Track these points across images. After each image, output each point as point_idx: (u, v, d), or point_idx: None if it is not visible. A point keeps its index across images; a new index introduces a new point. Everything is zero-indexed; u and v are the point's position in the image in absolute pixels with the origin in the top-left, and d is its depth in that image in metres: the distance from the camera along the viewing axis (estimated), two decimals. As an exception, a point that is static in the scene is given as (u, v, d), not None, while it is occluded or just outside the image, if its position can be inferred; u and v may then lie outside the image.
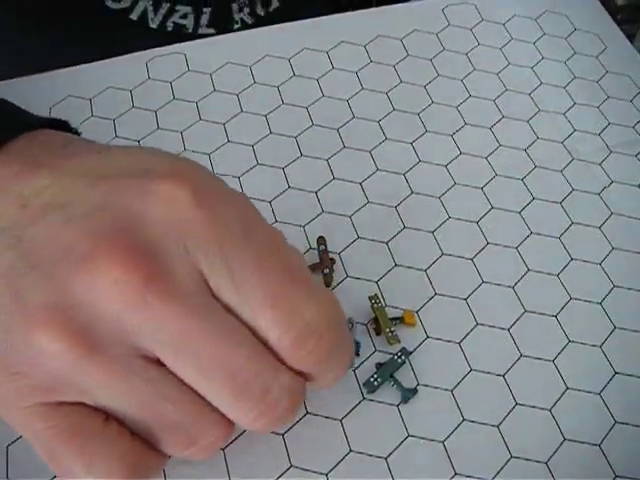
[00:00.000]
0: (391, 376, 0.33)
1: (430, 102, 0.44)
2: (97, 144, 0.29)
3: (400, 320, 0.35)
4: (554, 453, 0.32)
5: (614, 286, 0.37)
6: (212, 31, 0.52)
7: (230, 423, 0.27)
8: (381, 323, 0.34)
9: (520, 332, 0.35)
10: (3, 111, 0.30)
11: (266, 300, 0.25)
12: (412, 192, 0.40)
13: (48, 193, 0.25)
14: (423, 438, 0.32)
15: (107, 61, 0.44)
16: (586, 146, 0.43)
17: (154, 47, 0.45)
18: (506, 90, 0.45)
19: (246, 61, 0.45)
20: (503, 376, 0.34)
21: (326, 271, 0.36)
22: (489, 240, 0.38)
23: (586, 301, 0.37)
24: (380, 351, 0.34)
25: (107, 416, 0.26)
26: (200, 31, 0.52)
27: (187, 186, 0.25)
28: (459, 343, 0.35)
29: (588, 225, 0.40)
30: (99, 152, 0.27)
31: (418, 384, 0.33)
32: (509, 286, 0.37)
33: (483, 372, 0.34)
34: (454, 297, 0.36)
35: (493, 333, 0.35)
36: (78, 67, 0.44)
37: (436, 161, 0.41)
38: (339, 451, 0.32)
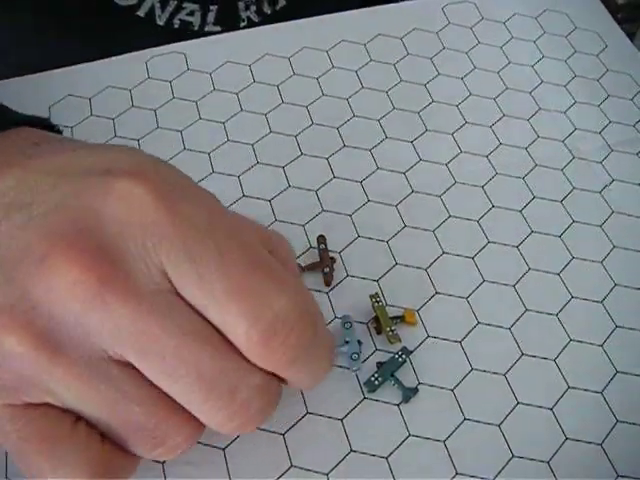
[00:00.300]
0: (392, 375, 0.33)
1: (430, 101, 0.44)
2: (68, 142, 0.29)
3: (401, 319, 0.35)
4: (556, 452, 0.32)
5: (615, 284, 0.37)
6: (218, 29, 0.52)
7: (199, 423, 0.26)
8: (382, 322, 0.34)
9: (521, 331, 0.35)
10: None
11: (231, 294, 0.24)
12: (412, 191, 0.40)
13: (12, 193, 0.25)
14: (424, 437, 0.32)
15: (106, 60, 0.44)
16: (587, 144, 0.43)
17: (161, 44, 0.45)
18: (506, 89, 0.45)
19: (246, 60, 0.45)
20: (504, 375, 0.34)
21: (326, 270, 0.36)
22: (490, 239, 0.38)
23: (587, 300, 0.37)
24: (381, 350, 0.34)
25: (77, 418, 0.25)
26: (207, 29, 0.52)
27: (147, 184, 0.25)
28: (460, 342, 0.35)
29: (589, 224, 0.39)
30: (67, 150, 0.27)
31: (419, 383, 0.33)
32: (510, 285, 0.37)
33: (484, 371, 0.34)
34: (455, 296, 0.36)
35: (494, 332, 0.35)
36: (77, 66, 0.44)
37: (436, 160, 0.41)
38: (340, 451, 0.32)
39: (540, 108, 0.44)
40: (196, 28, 0.52)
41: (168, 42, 0.45)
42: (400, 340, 0.34)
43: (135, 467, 0.27)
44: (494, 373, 0.34)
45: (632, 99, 0.45)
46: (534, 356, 0.35)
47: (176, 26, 0.52)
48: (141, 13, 0.51)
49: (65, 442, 0.25)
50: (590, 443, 0.32)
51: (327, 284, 0.36)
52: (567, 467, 0.32)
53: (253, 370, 0.25)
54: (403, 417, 0.32)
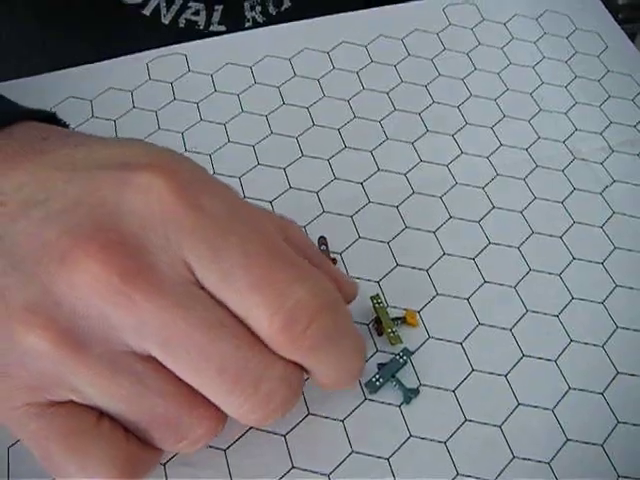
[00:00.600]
0: (393, 376, 0.33)
1: (431, 102, 0.44)
2: (78, 136, 0.29)
3: (402, 320, 0.35)
4: (556, 453, 0.32)
5: (616, 285, 0.37)
6: (223, 28, 0.52)
7: (222, 414, 0.26)
8: (383, 323, 0.34)
9: (522, 332, 0.35)
10: None
11: (254, 285, 0.24)
12: (413, 192, 0.40)
13: (27, 189, 0.25)
14: (425, 438, 0.32)
15: (108, 62, 0.44)
16: (587, 145, 0.43)
17: (166, 43, 0.45)
18: (507, 90, 0.45)
19: (247, 61, 0.45)
20: (505, 376, 0.34)
21: (327, 271, 0.36)
22: (491, 240, 0.38)
23: (588, 301, 0.37)
24: (382, 351, 0.34)
25: (100, 413, 0.25)
26: (212, 28, 0.52)
27: (165, 175, 0.25)
28: (461, 343, 0.35)
29: (590, 224, 0.39)
30: (79, 145, 0.27)
31: (420, 384, 0.33)
32: (511, 286, 0.37)
33: (485, 372, 0.34)
34: (456, 297, 0.36)
35: (495, 333, 0.35)
36: (78, 68, 0.44)
37: (437, 161, 0.41)
38: (341, 451, 0.32)
39: (541, 109, 0.44)
40: (201, 27, 0.52)
41: (173, 41, 0.45)
42: (401, 341, 0.34)
43: (158, 461, 0.27)
44: (495, 374, 0.34)
45: (633, 100, 0.45)
46: (535, 357, 0.35)
47: (181, 25, 0.52)
48: (146, 12, 0.51)
49: (90, 439, 0.25)
50: (591, 444, 0.33)
51: (328, 285, 0.36)
52: (568, 468, 0.32)
53: (276, 360, 0.25)
54: (404, 418, 0.33)
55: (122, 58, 0.44)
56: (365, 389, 0.33)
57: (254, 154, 0.41)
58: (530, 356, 0.35)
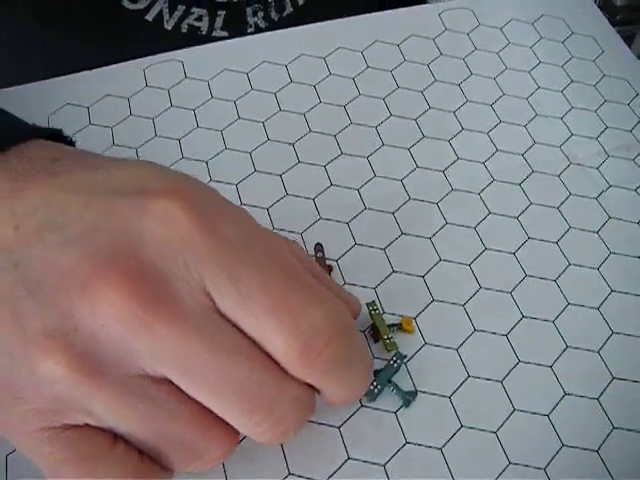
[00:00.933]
0: (389, 381, 0.33)
1: (427, 107, 0.44)
2: (90, 156, 0.29)
3: (398, 327, 0.35)
4: (552, 459, 0.32)
5: (612, 291, 0.37)
6: (226, 34, 0.52)
7: (235, 434, 0.27)
8: (379, 330, 0.34)
9: (518, 338, 0.35)
10: None
11: (271, 309, 0.25)
12: (409, 198, 0.40)
13: (41, 212, 0.25)
14: (421, 445, 0.32)
15: (104, 69, 0.44)
16: (583, 150, 0.43)
17: (168, 49, 0.45)
18: (503, 95, 0.45)
19: (243, 68, 0.45)
20: (501, 382, 0.34)
21: (324, 278, 0.36)
22: (487, 246, 0.38)
23: (584, 306, 0.37)
24: (378, 358, 0.34)
25: (114, 436, 0.26)
26: (214, 34, 0.52)
27: (182, 202, 0.25)
28: (457, 349, 0.35)
29: (586, 230, 0.40)
30: (92, 167, 0.27)
31: (416, 391, 0.33)
32: (507, 292, 0.37)
33: (481, 378, 0.34)
34: (452, 303, 0.36)
35: (491, 339, 0.35)
36: (75, 75, 0.44)
37: (433, 167, 0.41)
38: (337, 458, 0.32)
39: (537, 114, 0.44)
40: (204, 33, 0.52)
41: (176, 47, 0.45)
42: (397, 348, 0.34)
43: None
44: (491, 380, 0.34)
45: (629, 104, 0.45)
46: (531, 363, 0.35)
47: (184, 31, 0.52)
48: (149, 17, 0.51)
49: (104, 463, 0.25)
50: (587, 450, 0.33)
51: (324, 292, 0.36)
52: (564, 474, 0.32)
53: (290, 383, 0.26)
54: (400, 424, 0.33)
55: (119, 65, 0.44)
56: (364, 398, 0.33)
57: (250, 161, 0.41)
58: (526, 362, 0.35)
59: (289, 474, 0.31)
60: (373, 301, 0.35)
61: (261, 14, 0.52)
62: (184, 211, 0.25)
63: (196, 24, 0.52)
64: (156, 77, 0.44)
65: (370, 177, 0.41)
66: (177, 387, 0.25)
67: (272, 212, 0.39)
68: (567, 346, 0.35)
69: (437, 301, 0.36)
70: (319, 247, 0.37)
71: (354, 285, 0.36)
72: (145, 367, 0.25)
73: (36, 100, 0.43)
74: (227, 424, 0.26)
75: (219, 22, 0.52)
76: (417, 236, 0.39)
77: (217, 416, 0.26)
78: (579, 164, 0.42)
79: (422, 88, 0.45)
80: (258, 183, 0.40)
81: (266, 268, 0.26)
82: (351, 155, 0.41)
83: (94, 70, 0.44)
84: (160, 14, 0.51)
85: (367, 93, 0.44)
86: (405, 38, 0.47)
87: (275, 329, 0.25)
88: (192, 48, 0.46)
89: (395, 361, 0.34)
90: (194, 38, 0.51)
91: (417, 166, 0.41)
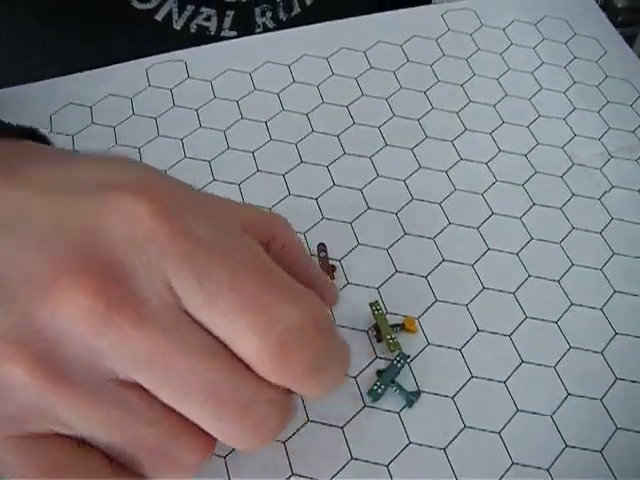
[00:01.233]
0: (393, 381, 0.33)
1: (430, 108, 0.44)
2: (57, 154, 0.28)
3: (401, 327, 0.35)
4: (555, 460, 0.32)
5: (615, 291, 0.37)
6: (234, 34, 0.52)
7: (211, 439, 0.25)
8: (382, 330, 0.34)
9: (521, 338, 0.35)
10: None
11: (241, 309, 0.23)
12: (412, 198, 0.40)
13: (3, 212, 0.24)
14: (424, 445, 0.32)
15: (107, 68, 0.44)
16: (586, 151, 0.43)
17: (177, 49, 0.45)
18: (506, 95, 0.45)
19: (246, 68, 0.45)
20: (504, 383, 0.34)
21: (327, 278, 0.36)
22: (490, 246, 0.38)
23: (587, 307, 0.37)
24: (381, 358, 0.34)
25: (83, 442, 0.24)
26: (223, 34, 0.52)
27: (148, 199, 0.24)
28: (460, 350, 0.35)
29: (589, 230, 0.40)
30: (57, 165, 0.26)
31: (419, 391, 0.33)
32: (510, 292, 0.37)
33: (484, 379, 0.34)
34: (455, 303, 0.36)
35: (494, 339, 0.35)
36: (78, 74, 0.44)
37: (436, 167, 0.41)
38: (340, 459, 0.32)
39: (539, 115, 0.44)
40: (212, 33, 0.52)
41: (184, 47, 0.45)
42: (400, 348, 0.34)
43: None
44: (494, 381, 0.34)
45: (631, 105, 0.45)
46: (534, 363, 0.35)
47: (193, 31, 0.52)
48: (158, 17, 0.51)
49: (72, 472, 0.24)
50: (590, 450, 0.33)
51: (327, 292, 0.36)
52: (567, 474, 0.32)
53: (264, 385, 0.25)
54: (403, 424, 0.33)
55: (122, 64, 0.44)
56: (367, 397, 0.33)
57: (253, 160, 0.41)
58: (529, 362, 0.35)
59: (292, 474, 0.31)
60: (376, 301, 0.35)
61: (269, 14, 0.52)
62: (148, 207, 0.24)
63: (205, 24, 0.52)
64: (159, 77, 0.44)
65: (373, 177, 0.41)
66: (149, 392, 0.24)
67: (275, 212, 0.39)
68: (570, 347, 0.35)
69: (440, 301, 0.36)
70: (322, 247, 0.37)
71: (357, 285, 0.36)
72: (115, 370, 0.23)
73: (38, 100, 0.43)
74: (201, 430, 0.25)
75: (227, 22, 0.52)
76: (420, 236, 0.39)
77: (191, 422, 0.25)
78: (582, 165, 0.42)
79: (425, 89, 0.45)
80: (261, 183, 0.40)
81: (236, 265, 0.24)
82: (354, 155, 0.41)
83: (96, 70, 0.44)
84: (169, 14, 0.51)
85: (370, 93, 0.44)
86: (408, 39, 0.47)
87: (246, 331, 0.23)
88: (195, 48, 0.46)
89: (398, 361, 0.34)
90: (202, 38, 0.51)
91: (420, 166, 0.41)
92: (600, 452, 0.33)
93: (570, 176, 0.42)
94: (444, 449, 0.32)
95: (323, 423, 0.32)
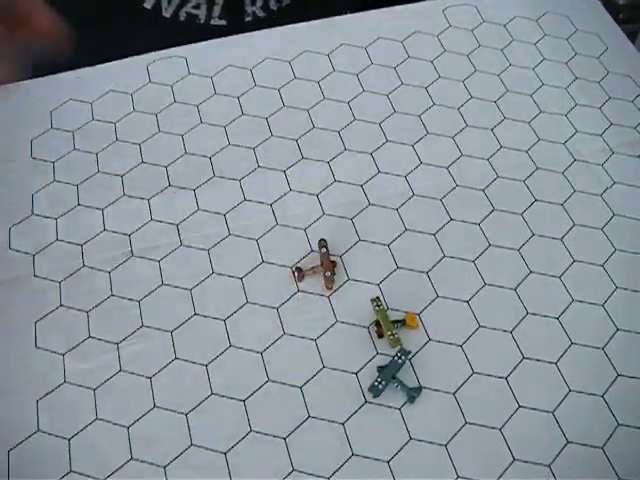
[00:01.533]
0: (394, 377, 0.33)
1: (431, 104, 0.44)
2: None
3: (402, 323, 0.35)
4: (557, 456, 0.32)
5: (616, 288, 0.37)
6: (224, 23, 0.52)
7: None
8: (383, 326, 0.34)
9: (522, 334, 0.35)
10: None
11: None
12: (413, 194, 0.40)
13: None
14: (425, 441, 0.32)
15: (108, 64, 0.44)
16: (588, 147, 0.43)
17: (166, 37, 0.45)
18: (507, 91, 0.45)
19: (247, 64, 0.45)
20: (505, 379, 0.34)
21: (328, 274, 0.36)
22: (491, 242, 0.38)
23: (588, 303, 0.37)
24: (382, 354, 0.34)
25: None
26: (212, 22, 0.52)
27: None
28: (461, 346, 0.35)
29: (590, 226, 0.39)
30: None
31: (421, 387, 0.33)
32: (511, 288, 0.37)
33: (485, 375, 0.34)
34: (456, 299, 0.36)
35: (495, 335, 0.35)
36: (79, 70, 0.44)
37: (437, 163, 0.41)
38: (341, 455, 0.32)
39: (541, 111, 0.44)
40: (202, 21, 0.52)
41: (173, 34, 0.45)
42: (401, 344, 0.34)
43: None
44: (495, 377, 0.34)
45: (633, 101, 0.45)
46: (535, 359, 0.35)
47: (182, 19, 0.52)
48: (148, 5, 0.51)
49: None
50: (591, 446, 0.32)
51: (328, 288, 0.36)
52: (568, 470, 0.32)
53: None
54: (404, 421, 0.33)
55: (122, 61, 0.44)
56: (369, 393, 0.33)
57: (254, 156, 0.41)
58: (530, 358, 0.35)
59: (293, 470, 0.31)
60: (377, 297, 0.35)
61: (259, 3, 0.52)
62: None
63: (194, 12, 0.52)
64: (159, 73, 0.44)
65: (374, 173, 0.41)
66: None
67: (276, 208, 0.39)
68: (572, 343, 0.35)
69: (441, 297, 0.36)
70: (323, 242, 0.37)
71: (358, 281, 0.36)
72: None
73: (39, 95, 0.43)
74: None
75: (217, 10, 0.52)
76: (421, 232, 0.38)
77: None
78: (583, 161, 0.42)
79: (426, 84, 0.45)
80: (262, 179, 0.40)
81: None
82: (355, 151, 0.41)
83: (97, 66, 0.44)
84: (158, 2, 0.51)
85: (371, 89, 0.44)
86: (409, 35, 0.47)
87: None
88: (195, 44, 0.46)
89: (399, 357, 0.34)
90: (192, 26, 0.51)
91: (421, 162, 0.41)
92: (601, 448, 0.32)
93: (571, 172, 0.42)
94: (445, 445, 0.32)
95: (324, 419, 0.32)
